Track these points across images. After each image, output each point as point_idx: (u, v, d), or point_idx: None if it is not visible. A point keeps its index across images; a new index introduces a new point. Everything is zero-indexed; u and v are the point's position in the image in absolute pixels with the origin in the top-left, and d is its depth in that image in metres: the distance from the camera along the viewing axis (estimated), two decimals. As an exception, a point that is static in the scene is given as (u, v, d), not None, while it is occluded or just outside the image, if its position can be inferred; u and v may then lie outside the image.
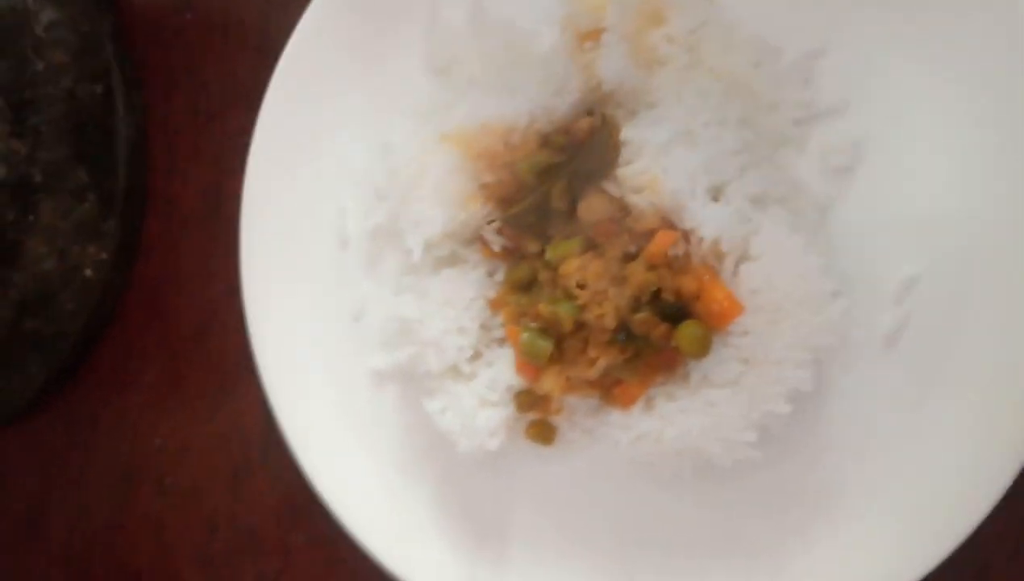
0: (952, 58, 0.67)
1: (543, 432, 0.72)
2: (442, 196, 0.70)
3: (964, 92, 0.67)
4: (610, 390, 0.69)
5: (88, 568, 0.93)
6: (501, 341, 0.73)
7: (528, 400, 0.71)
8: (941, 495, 0.64)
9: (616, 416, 0.69)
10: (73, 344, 0.92)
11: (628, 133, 0.67)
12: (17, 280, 0.93)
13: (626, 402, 0.68)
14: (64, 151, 0.91)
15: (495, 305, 0.73)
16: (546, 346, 0.67)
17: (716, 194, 0.66)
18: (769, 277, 0.63)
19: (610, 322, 0.64)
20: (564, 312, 0.65)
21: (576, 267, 0.66)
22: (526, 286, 0.71)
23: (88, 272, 0.90)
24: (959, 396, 0.66)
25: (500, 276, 0.73)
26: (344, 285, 0.81)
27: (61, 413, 0.94)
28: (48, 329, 0.92)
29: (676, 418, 0.66)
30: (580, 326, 0.66)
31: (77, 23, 0.91)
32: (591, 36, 0.72)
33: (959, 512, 0.62)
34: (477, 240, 0.74)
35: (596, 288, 0.65)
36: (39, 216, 0.92)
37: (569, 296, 0.66)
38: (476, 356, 0.73)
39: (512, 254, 0.72)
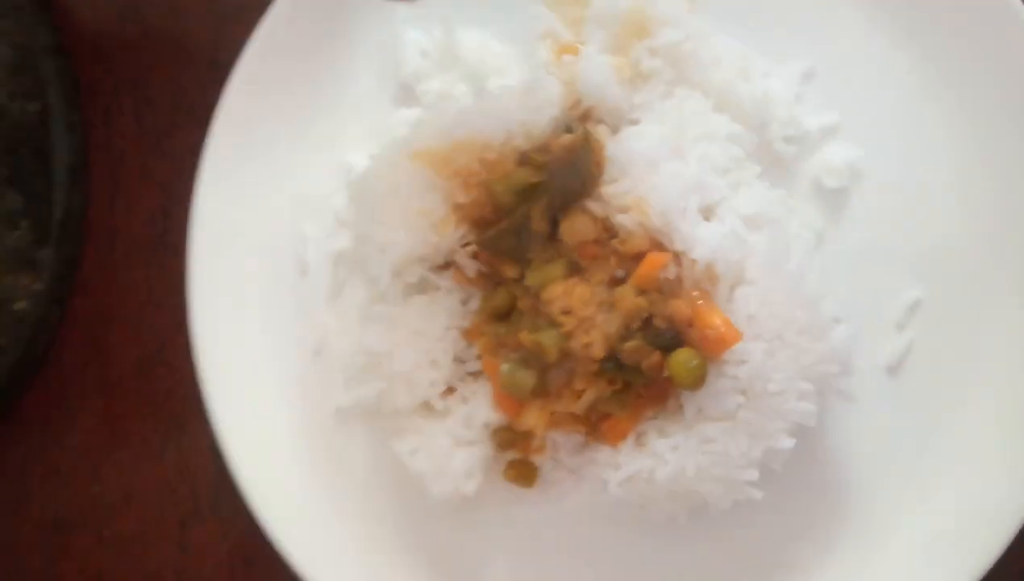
0: (947, 80, 0.67)
1: (524, 473, 0.69)
2: (411, 218, 0.66)
3: (959, 113, 0.67)
4: (597, 425, 0.65)
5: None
6: (476, 375, 0.69)
7: (508, 438, 0.67)
8: (956, 533, 0.62)
9: (604, 454, 0.65)
10: (3, 384, 0.84)
11: (613, 149, 0.63)
12: (-61, 314, 0.86)
13: (615, 438, 0.65)
14: (-6, 174, 0.86)
15: (470, 336, 0.68)
16: (528, 378, 0.63)
17: (707, 214, 0.63)
18: (767, 303, 0.60)
19: (598, 351, 0.60)
20: (548, 340, 0.62)
21: (560, 292, 0.62)
22: (504, 315, 0.67)
23: (21, 304, 0.84)
24: (969, 426, 0.65)
25: (475, 305, 0.69)
26: (304, 317, 0.77)
27: (-13, 460, 0.87)
28: (-26, 368, 0.85)
29: (669, 456, 0.62)
30: (565, 356, 0.62)
31: (11, 36, 0.86)
32: (570, 50, 0.69)
33: (976, 549, 0.60)
34: (450, 266, 0.69)
35: (582, 315, 0.61)
36: (-35, 244, 0.86)
37: (553, 324, 0.62)
38: (449, 392, 0.69)
39: (488, 280, 0.68)
